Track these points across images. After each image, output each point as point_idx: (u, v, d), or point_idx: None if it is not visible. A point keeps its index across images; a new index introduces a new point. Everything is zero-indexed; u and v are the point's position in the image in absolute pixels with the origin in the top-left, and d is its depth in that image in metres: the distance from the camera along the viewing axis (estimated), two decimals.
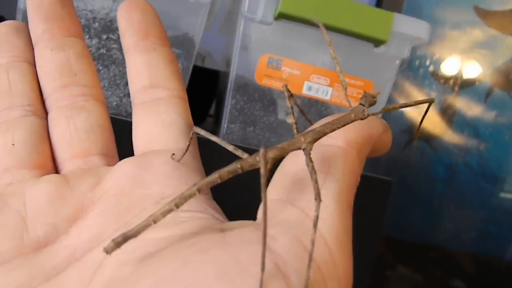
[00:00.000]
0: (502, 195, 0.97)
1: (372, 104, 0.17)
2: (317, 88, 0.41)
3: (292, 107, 0.18)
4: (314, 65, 0.41)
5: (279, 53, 0.41)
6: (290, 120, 0.17)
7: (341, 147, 0.17)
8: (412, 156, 0.93)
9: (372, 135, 0.18)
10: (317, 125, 0.17)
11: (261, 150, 0.14)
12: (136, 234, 0.14)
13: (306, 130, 0.16)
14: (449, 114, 0.92)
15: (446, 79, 0.91)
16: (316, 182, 0.14)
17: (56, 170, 0.20)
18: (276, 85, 0.42)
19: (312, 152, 0.16)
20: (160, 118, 0.20)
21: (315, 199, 0.14)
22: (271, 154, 0.16)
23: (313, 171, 0.15)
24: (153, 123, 0.20)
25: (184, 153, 0.19)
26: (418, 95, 0.91)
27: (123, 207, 0.17)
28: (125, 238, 0.14)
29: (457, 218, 0.97)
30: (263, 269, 0.12)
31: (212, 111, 0.61)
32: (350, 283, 0.15)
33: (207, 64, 0.77)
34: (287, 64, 0.41)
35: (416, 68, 0.89)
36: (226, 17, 0.50)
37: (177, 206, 0.15)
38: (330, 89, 0.42)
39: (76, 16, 0.22)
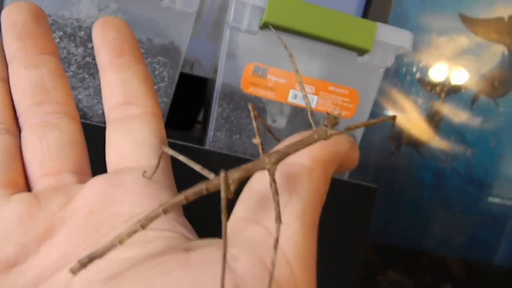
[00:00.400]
0: (489, 200, 0.98)
1: (335, 124, 0.18)
2: (303, 96, 0.42)
3: (258, 128, 0.18)
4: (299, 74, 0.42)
5: (265, 62, 0.41)
6: (256, 140, 0.17)
7: (306, 165, 0.17)
8: (400, 162, 0.94)
9: (339, 152, 0.18)
10: (281, 145, 0.17)
11: (221, 174, 0.14)
12: (101, 254, 0.14)
13: (271, 151, 0.17)
14: (436, 120, 0.93)
15: (433, 86, 0.92)
16: (277, 204, 0.15)
17: (28, 187, 0.20)
18: (262, 93, 0.42)
19: (277, 170, 0.16)
20: (132, 136, 0.20)
21: (276, 221, 0.14)
22: (236, 175, 0.16)
23: (275, 193, 0.15)
24: (125, 140, 0.20)
25: (155, 171, 0.19)
26: (405, 102, 0.92)
27: (92, 226, 0.17)
28: (91, 258, 0.14)
29: (446, 224, 0.98)
30: None
31: (201, 117, 0.61)
32: None
33: (196, 71, 0.77)
34: (272, 73, 0.42)
35: (403, 75, 0.90)
36: (214, 25, 0.50)
37: (143, 227, 0.15)
38: (316, 97, 0.42)
39: (50, 34, 0.22)
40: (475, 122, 0.94)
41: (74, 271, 0.14)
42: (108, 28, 0.21)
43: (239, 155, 0.42)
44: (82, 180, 0.20)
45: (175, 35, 0.40)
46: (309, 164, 0.17)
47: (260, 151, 0.17)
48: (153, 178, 0.19)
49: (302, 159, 0.17)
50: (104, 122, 0.39)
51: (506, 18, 0.93)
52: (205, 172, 0.17)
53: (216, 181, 0.16)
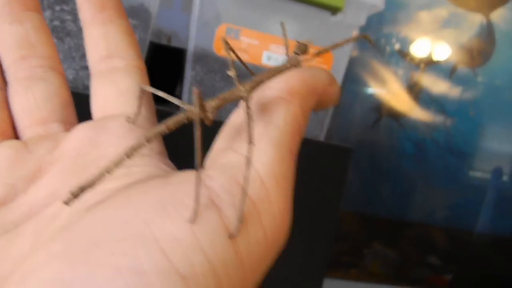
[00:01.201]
0: (469, 169, 1.00)
1: (305, 51, 0.18)
2: (276, 57, 0.42)
3: (233, 61, 0.18)
4: (272, 35, 0.41)
5: (237, 23, 0.41)
6: (231, 72, 0.18)
7: (283, 97, 0.17)
8: (381, 133, 0.94)
9: (316, 86, 0.18)
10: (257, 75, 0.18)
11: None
12: (91, 184, 0.15)
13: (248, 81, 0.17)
14: (415, 91, 0.94)
15: (412, 57, 0.92)
16: (251, 127, 0.15)
17: (16, 137, 0.21)
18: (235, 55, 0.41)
19: (255, 103, 0.17)
20: (116, 85, 0.21)
21: (248, 142, 0.15)
22: (213, 103, 0.17)
23: (250, 118, 0.15)
24: (109, 91, 0.21)
25: (138, 112, 0.20)
26: (385, 73, 0.92)
27: (79, 166, 0.18)
28: (82, 189, 0.15)
29: (427, 194, 1.00)
30: (197, 201, 0.13)
31: (178, 92, 0.61)
32: (286, 222, 0.16)
33: (174, 44, 0.76)
34: (245, 34, 0.41)
35: (382, 46, 0.90)
36: None
37: (128, 156, 0.15)
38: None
39: None
40: (454, 92, 0.95)
41: (67, 202, 0.15)
42: None
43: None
44: (69, 129, 0.21)
45: None
46: (286, 96, 0.17)
47: (237, 83, 0.17)
48: (137, 123, 0.20)
49: (278, 92, 0.17)
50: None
51: None
52: (185, 105, 0.17)
53: (195, 109, 0.16)
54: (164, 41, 0.73)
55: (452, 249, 1.04)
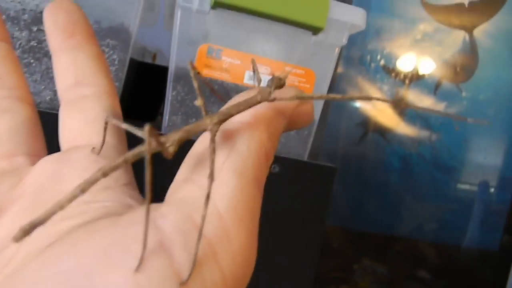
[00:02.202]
0: (455, 184, 1.00)
1: (280, 86, 0.17)
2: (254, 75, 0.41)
3: (199, 87, 0.17)
4: (254, 54, 0.41)
5: (219, 43, 0.41)
6: (198, 102, 0.17)
7: (247, 122, 0.17)
8: (367, 148, 0.94)
9: (285, 107, 0.18)
10: (224, 106, 0.17)
11: (146, 127, 0.14)
12: (42, 221, 0.14)
13: (214, 113, 0.17)
14: (401, 107, 0.94)
15: (397, 73, 0.93)
16: (212, 162, 0.14)
17: None
18: (217, 75, 0.41)
19: (219, 131, 0.16)
20: (83, 114, 0.20)
21: (208, 178, 0.14)
22: (176, 136, 0.16)
23: (212, 151, 0.15)
24: (76, 119, 0.20)
25: (102, 144, 0.18)
26: (371, 89, 0.92)
27: (39, 203, 0.17)
28: (32, 225, 0.14)
29: (414, 209, 0.99)
30: (145, 247, 0.12)
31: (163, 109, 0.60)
32: (249, 258, 0.15)
33: (159, 62, 0.76)
34: (227, 54, 0.41)
35: (367, 62, 0.91)
36: (169, 11, 0.49)
37: (83, 191, 0.14)
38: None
39: (1, 20, 0.22)
40: (439, 107, 0.96)
41: (16, 239, 0.14)
42: (59, 11, 0.21)
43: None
44: (36, 162, 0.20)
45: (124, 17, 0.39)
46: (250, 121, 0.17)
47: (203, 112, 0.17)
48: (104, 154, 0.18)
49: (243, 116, 0.17)
50: (52, 108, 0.38)
51: (466, 4, 0.95)
52: (137, 132, 0.16)
53: (155, 143, 0.15)
54: (148, 59, 0.73)
55: (441, 264, 1.04)
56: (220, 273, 0.13)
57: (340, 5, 0.40)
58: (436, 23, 0.94)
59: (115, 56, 0.39)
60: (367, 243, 1.00)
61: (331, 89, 0.88)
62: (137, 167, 0.19)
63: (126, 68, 0.40)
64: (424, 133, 0.96)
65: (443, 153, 0.97)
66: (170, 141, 0.16)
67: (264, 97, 0.17)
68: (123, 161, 0.15)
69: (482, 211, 1.02)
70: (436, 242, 1.02)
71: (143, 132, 0.16)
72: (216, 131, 0.16)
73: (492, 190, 1.03)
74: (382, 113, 0.94)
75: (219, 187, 0.14)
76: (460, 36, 0.95)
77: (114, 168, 0.15)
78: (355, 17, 0.40)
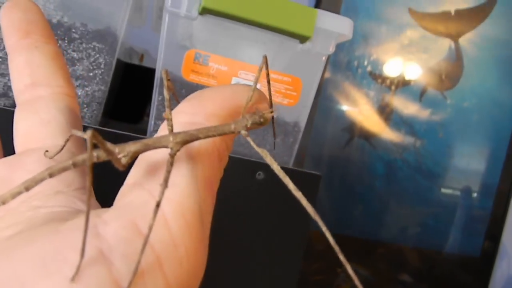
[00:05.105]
0: (438, 190, 1.01)
1: (259, 123, 0.17)
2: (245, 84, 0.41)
3: (169, 100, 0.17)
4: (241, 61, 0.41)
5: (206, 49, 0.41)
6: (166, 114, 0.16)
7: (199, 123, 0.16)
8: (352, 154, 0.95)
9: (239, 106, 0.17)
10: (195, 126, 0.16)
11: (88, 132, 0.13)
12: None
13: (180, 131, 0.16)
14: (386, 112, 0.95)
15: (383, 79, 0.94)
16: (168, 172, 0.14)
17: None
18: (204, 80, 0.41)
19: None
20: (38, 116, 0.19)
21: (161, 185, 0.14)
22: (133, 147, 0.15)
23: (169, 165, 0.14)
24: (31, 121, 0.19)
25: (59, 151, 0.18)
26: (357, 95, 0.93)
27: None
28: None
29: (398, 214, 1.01)
30: (82, 255, 0.12)
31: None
32: (198, 263, 0.14)
33: (146, 63, 0.75)
34: (214, 60, 0.41)
35: (354, 68, 0.92)
36: (158, 13, 0.49)
37: (27, 188, 0.14)
38: (258, 85, 0.42)
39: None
40: (424, 114, 0.97)
41: None
42: (14, 10, 0.21)
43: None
44: None
45: (111, 20, 0.39)
46: (202, 121, 0.16)
47: (169, 127, 0.16)
48: (58, 158, 0.17)
49: (194, 117, 0.16)
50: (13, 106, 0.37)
51: (452, 12, 0.96)
52: (108, 145, 0.16)
53: (109, 151, 0.15)
54: (135, 60, 0.72)
55: (424, 268, 1.05)
56: (164, 280, 0.13)
57: (328, 14, 0.40)
58: (422, 30, 0.95)
59: (101, 60, 0.39)
60: (350, 247, 1.00)
61: (318, 93, 0.88)
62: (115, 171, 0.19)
63: (112, 72, 0.40)
64: (408, 139, 0.97)
65: (427, 159, 0.98)
66: (125, 152, 0.15)
67: (237, 128, 0.16)
68: (71, 164, 0.15)
69: (464, 217, 1.04)
70: (419, 247, 1.04)
71: (115, 146, 0.15)
72: (177, 150, 0.15)
73: (474, 195, 1.04)
74: (367, 119, 0.94)
75: (166, 190, 0.14)
76: (446, 44, 0.97)
77: (61, 170, 0.14)
78: (342, 26, 0.40)
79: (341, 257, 0.15)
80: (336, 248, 0.15)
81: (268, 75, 0.19)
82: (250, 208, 0.42)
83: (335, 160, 0.94)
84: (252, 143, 0.16)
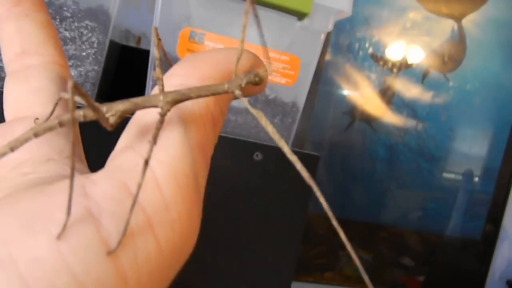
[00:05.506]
0: (440, 173, 1.01)
1: (254, 83, 0.16)
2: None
3: (160, 58, 0.16)
4: (237, 39, 0.40)
5: (201, 27, 0.40)
6: (156, 74, 0.15)
7: (192, 85, 0.15)
8: (354, 137, 0.94)
9: (230, 68, 0.16)
10: (186, 85, 0.15)
11: (69, 83, 0.12)
12: None
13: (172, 90, 0.15)
14: (388, 96, 0.94)
15: (385, 61, 0.93)
16: (158, 129, 0.13)
17: None
18: None
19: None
20: (28, 84, 0.19)
21: (149, 141, 0.13)
22: (121, 106, 0.15)
23: (159, 124, 0.14)
24: (21, 90, 0.19)
25: (49, 117, 0.17)
26: (358, 77, 0.92)
27: None
28: None
29: (400, 197, 1.00)
30: (68, 213, 0.12)
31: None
32: (191, 227, 0.14)
33: (143, 45, 0.75)
34: (210, 38, 0.40)
35: (356, 50, 0.90)
36: None
37: (12, 149, 0.14)
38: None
39: None
40: (426, 96, 0.96)
41: None
42: None
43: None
44: None
45: None
46: (195, 84, 0.15)
47: (159, 87, 0.15)
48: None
49: (187, 80, 0.16)
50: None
51: None
52: (96, 105, 0.15)
53: (97, 110, 0.14)
54: (132, 43, 0.71)
55: (425, 251, 1.05)
56: (155, 243, 0.13)
57: None
58: (425, 12, 0.93)
59: (94, 39, 0.38)
60: (352, 230, 1.00)
61: (319, 76, 0.87)
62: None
63: (105, 51, 0.39)
64: (410, 123, 0.96)
65: (428, 142, 0.97)
66: (113, 111, 0.15)
67: (231, 88, 0.15)
68: (57, 123, 0.14)
69: (466, 201, 1.03)
70: (420, 230, 1.03)
71: (103, 105, 0.15)
72: (168, 110, 0.14)
73: (476, 179, 1.04)
74: (369, 102, 0.93)
75: (158, 153, 0.14)
76: (448, 25, 0.95)
77: (47, 129, 0.14)
78: (341, 2, 0.39)
79: (342, 235, 0.14)
80: (336, 226, 0.14)
81: (261, 26, 0.18)
82: (248, 189, 0.42)
83: (336, 144, 0.94)
84: (247, 103, 0.15)
